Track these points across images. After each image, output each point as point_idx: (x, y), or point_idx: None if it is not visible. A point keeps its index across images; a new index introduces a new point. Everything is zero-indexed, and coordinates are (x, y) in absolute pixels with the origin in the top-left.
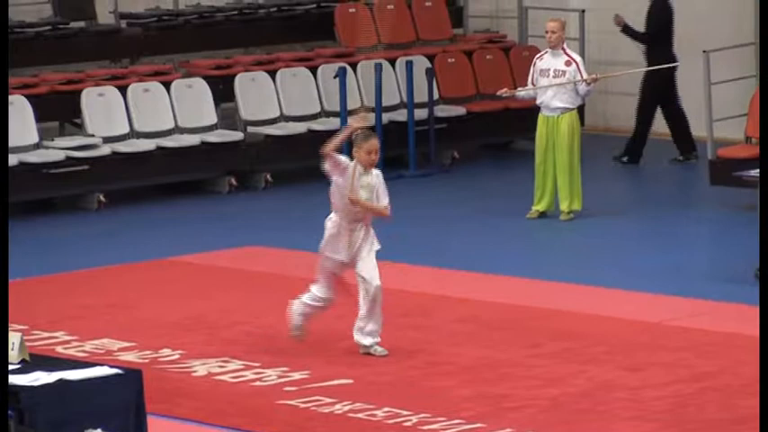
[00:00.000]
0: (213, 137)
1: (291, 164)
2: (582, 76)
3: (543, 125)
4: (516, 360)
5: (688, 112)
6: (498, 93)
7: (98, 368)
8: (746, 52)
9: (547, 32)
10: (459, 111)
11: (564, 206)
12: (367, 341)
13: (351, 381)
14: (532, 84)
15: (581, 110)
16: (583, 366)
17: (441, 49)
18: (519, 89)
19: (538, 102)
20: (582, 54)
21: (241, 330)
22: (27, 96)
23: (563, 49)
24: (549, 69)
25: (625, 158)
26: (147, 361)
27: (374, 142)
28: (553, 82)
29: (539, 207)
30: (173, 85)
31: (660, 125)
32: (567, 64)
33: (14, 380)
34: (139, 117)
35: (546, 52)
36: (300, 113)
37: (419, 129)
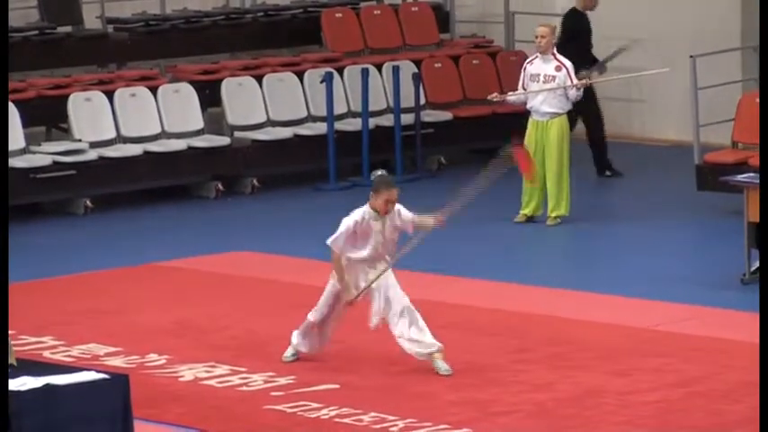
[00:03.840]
0: (200, 142)
1: (278, 169)
2: (572, 81)
3: (533, 130)
4: (503, 365)
5: (675, 118)
6: (489, 97)
7: (85, 373)
8: (733, 57)
9: (536, 37)
10: (446, 116)
11: (551, 210)
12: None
13: (337, 386)
14: (523, 88)
15: (570, 115)
16: (570, 372)
17: (427, 54)
18: (509, 94)
19: (528, 107)
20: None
21: (227, 335)
22: (14, 101)
23: (553, 53)
24: (538, 74)
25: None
26: (133, 366)
27: (395, 192)
28: (543, 87)
29: (526, 211)
30: (159, 90)
31: (648, 130)
32: (557, 69)
33: None
34: (126, 122)
35: (536, 57)
36: (287, 118)
37: (406, 134)
